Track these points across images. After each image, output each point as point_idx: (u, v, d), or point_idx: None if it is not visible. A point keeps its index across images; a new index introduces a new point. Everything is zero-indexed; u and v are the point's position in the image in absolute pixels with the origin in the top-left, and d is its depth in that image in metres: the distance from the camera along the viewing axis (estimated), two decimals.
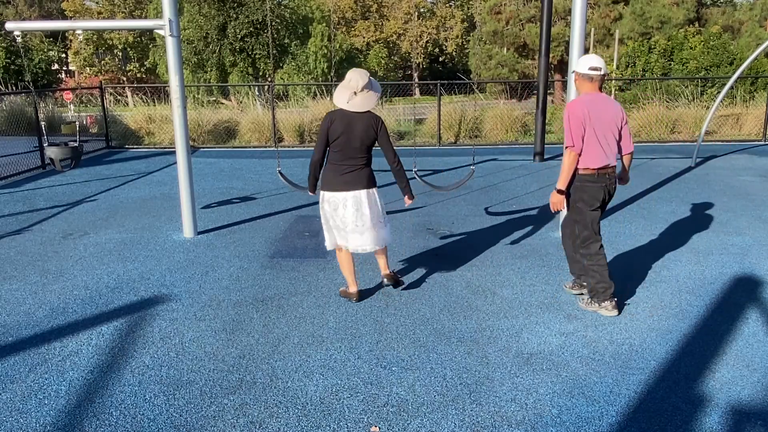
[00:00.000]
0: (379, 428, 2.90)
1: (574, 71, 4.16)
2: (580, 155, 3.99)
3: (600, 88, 4.06)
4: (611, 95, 16.78)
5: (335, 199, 4.17)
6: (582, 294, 4.42)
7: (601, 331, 3.88)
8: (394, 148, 4.32)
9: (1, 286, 4.83)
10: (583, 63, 4.03)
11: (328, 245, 4.38)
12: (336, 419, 2.97)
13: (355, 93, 4.08)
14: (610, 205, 7.25)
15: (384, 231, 4.33)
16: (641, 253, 5.44)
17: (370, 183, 4.23)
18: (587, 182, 4.03)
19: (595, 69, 3.97)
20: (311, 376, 3.37)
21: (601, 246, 4.17)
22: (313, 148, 4.48)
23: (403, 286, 4.68)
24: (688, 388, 3.22)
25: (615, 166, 4.08)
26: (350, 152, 4.12)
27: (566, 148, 4.02)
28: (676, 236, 5.95)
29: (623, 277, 4.84)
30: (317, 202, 7.59)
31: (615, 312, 4.09)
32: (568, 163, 4.00)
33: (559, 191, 4.08)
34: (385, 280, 4.43)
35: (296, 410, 3.05)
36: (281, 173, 6.71)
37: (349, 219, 4.17)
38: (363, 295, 4.51)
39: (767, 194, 7.74)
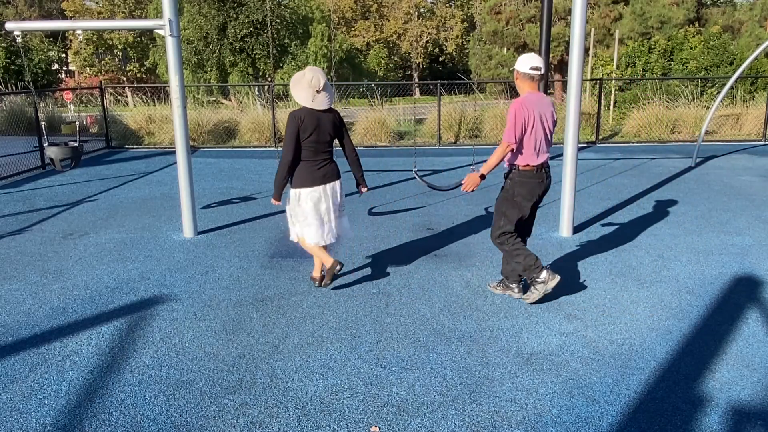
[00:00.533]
0: (379, 428, 2.90)
1: (514, 69, 4.21)
2: (515, 152, 4.12)
3: (539, 88, 4.18)
4: (611, 95, 16.78)
5: (316, 194, 4.32)
6: (511, 292, 4.39)
7: (601, 331, 3.88)
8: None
9: (1, 286, 4.83)
10: (524, 62, 4.08)
11: (293, 236, 4.58)
12: (336, 419, 2.97)
13: (317, 91, 4.24)
14: (609, 204, 7.25)
15: (345, 219, 4.68)
16: (641, 253, 5.44)
17: (338, 174, 4.49)
18: (529, 178, 4.14)
19: (536, 69, 4.05)
20: (311, 376, 3.37)
21: (520, 238, 4.27)
22: None
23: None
24: (688, 388, 3.22)
25: (547, 163, 4.22)
26: (321, 147, 4.33)
27: (504, 142, 4.08)
28: (676, 236, 5.95)
29: (623, 277, 4.85)
30: None
31: (557, 278, 4.06)
32: (499, 155, 4.07)
33: (482, 176, 4.21)
34: (338, 267, 4.40)
35: (296, 410, 3.05)
36: None
37: (331, 210, 4.43)
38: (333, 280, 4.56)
39: (767, 194, 7.74)
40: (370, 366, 3.48)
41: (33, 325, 4.08)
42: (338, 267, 4.39)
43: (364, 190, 4.71)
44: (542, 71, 4.09)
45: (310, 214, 4.35)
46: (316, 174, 4.31)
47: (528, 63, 4.06)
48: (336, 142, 4.46)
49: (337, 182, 4.44)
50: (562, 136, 6.13)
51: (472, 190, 4.31)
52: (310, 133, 4.22)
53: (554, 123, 4.23)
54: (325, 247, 4.51)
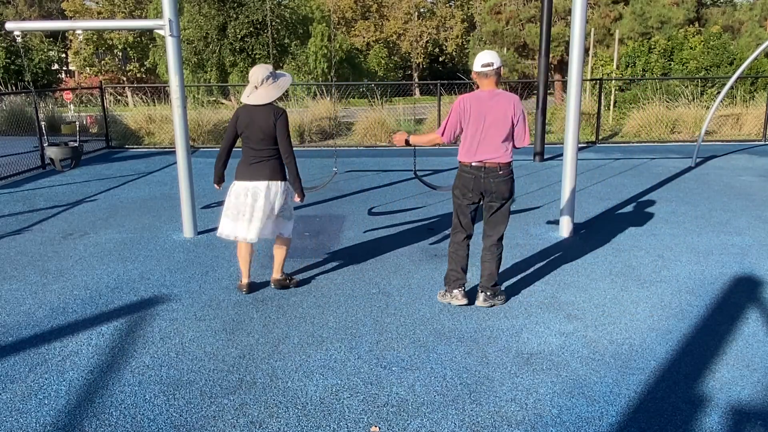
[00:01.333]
0: (379, 428, 2.90)
1: (472, 71, 4.23)
2: (445, 143, 4.24)
3: (497, 83, 4.10)
4: (611, 95, 16.78)
5: (240, 188, 4.36)
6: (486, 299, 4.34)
7: (601, 331, 3.89)
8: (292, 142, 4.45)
9: (1, 286, 4.83)
10: (476, 61, 4.08)
11: (220, 232, 4.48)
12: (336, 419, 2.97)
13: (255, 87, 4.27)
14: (609, 204, 7.25)
15: (277, 224, 4.50)
16: (641, 253, 5.44)
17: (274, 176, 4.34)
18: (462, 172, 4.19)
19: (487, 65, 4.03)
20: (311, 376, 3.37)
21: (467, 238, 4.30)
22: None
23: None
24: (688, 388, 3.22)
25: (501, 162, 4.05)
26: (253, 144, 4.31)
27: (437, 133, 4.22)
28: (676, 236, 5.95)
29: (623, 277, 4.85)
30: (317, 202, 7.60)
31: (464, 301, 4.22)
32: (427, 140, 4.37)
33: (406, 141, 4.42)
34: (272, 284, 4.64)
35: (296, 410, 3.05)
36: None
37: (248, 207, 4.33)
38: (253, 287, 4.66)
39: (767, 194, 7.74)
40: (370, 366, 3.48)
41: (33, 325, 4.08)
42: (244, 290, 4.57)
43: (297, 199, 4.55)
44: (495, 65, 4.01)
45: (229, 206, 4.40)
46: (245, 169, 4.35)
47: (479, 61, 4.05)
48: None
49: (266, 182, 4.29)
50: (562, 136, 6.14)
51: (397, 144, 4.47)
52: (243, 129, 4.32)
53: (515, 119, 4.05)
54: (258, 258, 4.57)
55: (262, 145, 4.29)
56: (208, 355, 3.63)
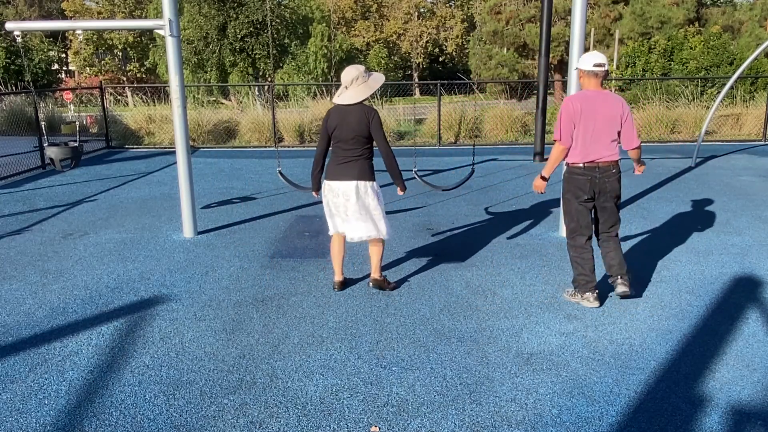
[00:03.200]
0: (379, 428, 2.90)
1: (577, 68, 4.22)
2: (570, 148, 4.12)
3: (602, 84, 4.14)
4: None
5: (330, 187, 4.41)
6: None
7: (601, 331, 3.88)
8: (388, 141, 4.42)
9: (1, 286, 4.83)
10: (587, 60, 4.08)
11: (329, 230, 4.62)
12: (336, 419, 2.97)
13: (346, 87, 4.31)
14: None
15: (373, 224, 4.41)
16: (641, 253, 5.44)
17: (363, 176, 4.33)
18: (574, 174, 4.14)
19: (599, 65, 4.05)
20: (311, 376, 3.37)
21: (588, 239, 4.23)
22: (312, 148, 4.59)
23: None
24: (688, 388, 3.22)
25: (613, 161, 4.10)
26: (343, 144, 4.32)
27: (554, 140, 4.16)
28: (676, 236, 5.95)
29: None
30: (317, 202, 7.60)
31: (596, 303, 4.22)
32: (555, 155, 4.14)
33: (542, 177, 4.29)
34: (370, 283, 4.66)
35: (296, 410, 3.05)
36: (281, 173, 6.72)
37: (341, 207, 4.39)
38: (347, 284, 4.73)
39: (767, 194, 7.74)
40: (370, 366, 3.48)
41: (33, 325, 4.08)
42: (336, 288, 4.63)
43: (399, 192, 4.59)
44: (605, 67, 4.06)
45: (325, 204, 4.50)
46: (334, 169, 4.38)
47: (591, 60, 4.06)
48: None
49: (355, 182, 4.30)
50: None
51: (541, 192, 4.40)
52: (334, 129, 4.31)
53: (622, 120, 4.07)
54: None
55: (352, 145, 4.28)
56: (208, 355, 3.63)
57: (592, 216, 4.24)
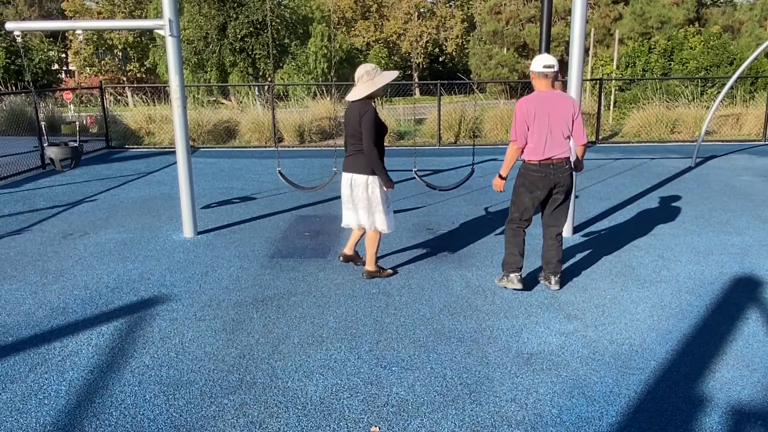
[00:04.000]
0: (379, 428, 2.90)
1: (530, 70, 4.42)
2: (524, 148, 4.33)
3: (553, 85, 4.33)
4: (611, 95, 16.78)
5: (343, 179, 4.71)
6: (548, 283, 4.63)
7: (601, 331, 3.89)
8: (376, 140, 4.48)
9: (1, 286, 4.83)
10: (538, 62, 4.30)
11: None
12: (336, 419, 2.97)
13: (355, 85, 4.55)
14: (609, 204, 7.25)
15: (365, 215, 4.66)
16: (641, 253, 5.44)
17: (358, 169, 4.53)
18: (530, 171, 4.34)
19: (549, 67, 4.25)
20: (311, 376, 3.37)
21: (523, 231, 4.50)
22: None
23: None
24: (688, 388, 3.22)
25: (565, 158, 4.29)
26: (350, 139, 4.57)
27: (511, 141, 4.36)
28: (676, 236, 5.95)
29: (624, 277, 4.85)
30: (317, 202, 7.60)
31: (520, 286, 4.47)
32: (510, 155, 4.36)
33: (500, 176, 4.52)
34: (363, 275, 4.87)
35: (296, 410, 3.05)
36: (281, 173, 6.71)
37: (347, 197, 4.70)
38: (347, 258, 5.04)
39: (767, 194, 7.74)
40: (370, 366, 3.48)
41: (33, 325, 4.08)
42: (339, 258, 5.05)
43: (384, 188, 4.69)
44: (555, 68, 4.27)
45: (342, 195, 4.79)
46: (344, 161, 4.69)
47: (541, 62, 4.28)
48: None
49: (352, 175, 4.56)
50: None
51: (501, 191, 4.63)
52: (344, 124, 4.62)
53: (573, 117, 4.26)
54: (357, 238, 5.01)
55: (353, 140, 4.52)
56: (208, 355, 3.63)
57: (535, 211, 4.49)
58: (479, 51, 28.13)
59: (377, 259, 4.95)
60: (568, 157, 4.32)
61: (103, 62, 37.48)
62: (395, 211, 7.09)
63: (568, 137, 4.29)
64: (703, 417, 2.96)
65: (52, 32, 31.98)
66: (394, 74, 4.58)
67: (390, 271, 4.95)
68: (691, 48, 17.59)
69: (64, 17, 37.97)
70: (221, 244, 5.89)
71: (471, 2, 44.97)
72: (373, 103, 4.52)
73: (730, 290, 4.56)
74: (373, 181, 4.52)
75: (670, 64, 17.62)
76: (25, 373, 3.45)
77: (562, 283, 4.62)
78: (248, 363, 3.53)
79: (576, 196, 6.41)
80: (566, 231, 6.01)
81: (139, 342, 3.82)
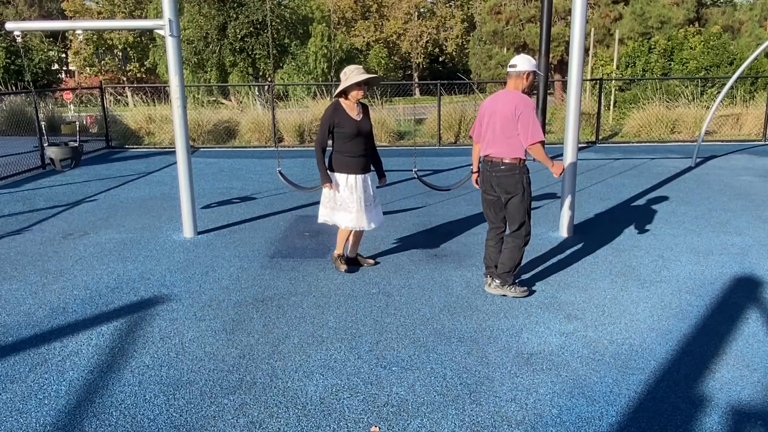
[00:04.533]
0: (379, 428, 2.90)
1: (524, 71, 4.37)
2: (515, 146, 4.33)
3: (532, 84, 4.40)
4: (611, 95, 16.77)
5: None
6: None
7: (601, 331, 3.89)
8: (320, 137, 4.70)
9: (1, 286, 4.83)
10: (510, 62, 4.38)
11: None
12: (336, 419, 2.97)
13: None
14: (609, 204, 7.25)
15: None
16: (641, 253, 5.44)
17: (330, 166, 4.84)
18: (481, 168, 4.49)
19: (512, 66, 4.30)
20: (311, 376, 3.37)
21: (492, 230, 4.54)
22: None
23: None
24: (688, 388, 3.22)
25: (500, 158, 4.23)
26: None
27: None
28: (676, 236, 5.95)
29: (624, 277, 4.85)
30: (317, 202, 7.60)
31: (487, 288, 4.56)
32: (473, 151, 4.62)
33: (472, 171, 4.69)
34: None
35: (296, 410, 3.05)
36: (281, 173, 6.71)
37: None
38: (350, 262, 5.13)
39: (767, 194, 7.74)
40: (370, 366, 3.48)
41: (33, 325, 4.08)
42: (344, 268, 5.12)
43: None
44: (517, 68, 4.26)
45: None
46: None
47: (510, 62, 4.35)
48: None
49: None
50: (562, 136, 6.14)
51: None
52: None
53: (516, 117, 4.15)
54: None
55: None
56: (208, 355, 3.63)
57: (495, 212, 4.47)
58: (479, 51, 28.14)
59: (344, 255, 5.13)
60: (504, 158, 4.21)
61: (103, 62, 37.48)
62: (396, 211, 7.09)
63: (514, 138, 4.18)
64: (703, 417, 2.96)
65: (52, 32, 31.99)
66: (357, 77, 4.56)
67: (345, 267, 5.02)
68: (691, 48, 17.59)
69: (64, 17, 37.97)
70: (221, 244, 5.89)
71: (471, 2, 44.94)
72: (342, 101, 4.69)
73: (730, 290, 4.56)
74: (335, 177, 4.78)
75: (670, 64, 17.62)
76: (25, 373, 3.45)
77: (506, 289, 4.43)
78: (248, 363, 3.53)
79: (574, 196, 6.41)
80: (566, 231, 6.02)
81: (139, 342, 3.82)
